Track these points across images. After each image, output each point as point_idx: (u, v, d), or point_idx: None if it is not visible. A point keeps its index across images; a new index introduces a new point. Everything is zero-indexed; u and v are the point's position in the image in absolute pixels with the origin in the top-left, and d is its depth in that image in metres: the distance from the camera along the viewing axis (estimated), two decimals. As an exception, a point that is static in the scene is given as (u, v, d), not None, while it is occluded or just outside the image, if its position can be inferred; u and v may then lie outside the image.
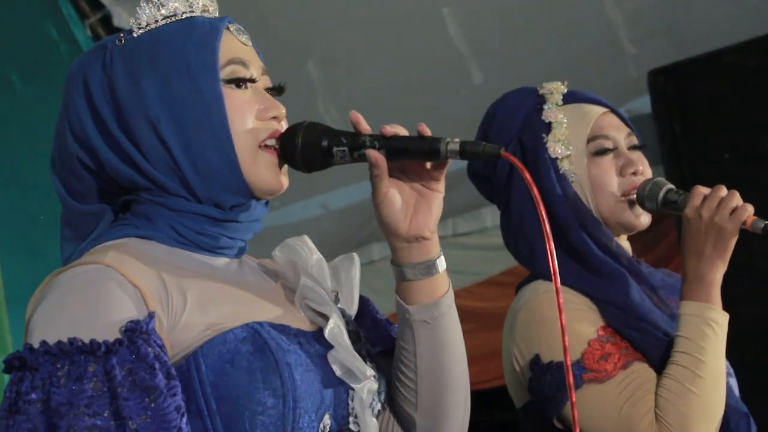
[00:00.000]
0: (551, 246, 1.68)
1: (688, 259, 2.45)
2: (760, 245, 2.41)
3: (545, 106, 2.59)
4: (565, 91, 2.62)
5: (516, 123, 2.60)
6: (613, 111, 2.61)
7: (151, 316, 1.61)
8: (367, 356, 1.79)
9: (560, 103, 2.59)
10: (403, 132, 1.75)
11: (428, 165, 1.77)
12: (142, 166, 1.75)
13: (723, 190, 2.44)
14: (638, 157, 2.57)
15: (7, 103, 4.64)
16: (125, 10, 4.85)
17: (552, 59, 4.85)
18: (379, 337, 1.89)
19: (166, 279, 1.68)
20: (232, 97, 1.76)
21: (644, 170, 2.56)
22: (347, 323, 1.79)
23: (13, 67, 4.70)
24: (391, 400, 1.86)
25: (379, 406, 1.80)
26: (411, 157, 1.75)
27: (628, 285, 2.48)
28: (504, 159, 1.75)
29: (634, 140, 2.59)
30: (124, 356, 1.57)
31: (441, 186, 1.79)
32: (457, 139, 1.73)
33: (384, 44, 5.00)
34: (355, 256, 1.90)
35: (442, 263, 1.82)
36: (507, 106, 2.64)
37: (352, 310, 1.85)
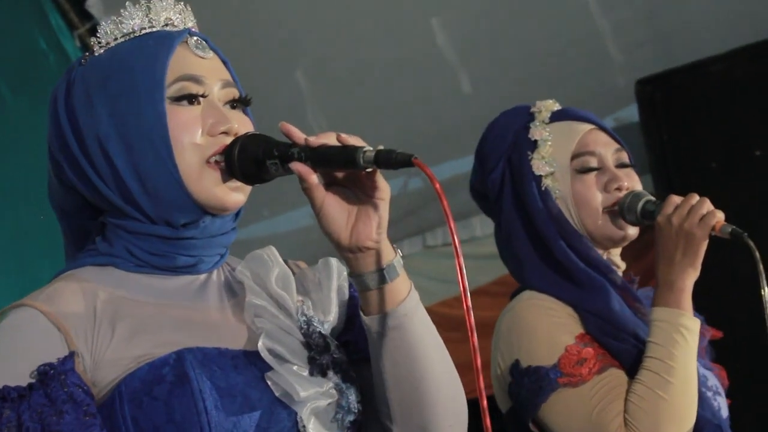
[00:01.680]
0: (461, 261, 1.63)
1: (660, 266, 2.48)
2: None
3: (532, 124, 2.63)
4: (555, 108, 2.66)
5: (506, 141, 2.64)
6: (602, 128, 2.64)
7: (69, 356, 1.64)
8: (330, 367, 1.77)
9: (547, 120, 2.63)
10: (331, 141, 1.70)
11: (363, 173, 1.72)
12: (99, 188, 1.76)
13: (694, 198, 2.47)
14: (626, 173, 2.59)
15: (-3, 114, 4.64)
16: (114, 20, 4.85)
17: (540, 68, 4.86)
18: (365, 342, 1.84)
19: (99, 312, 1.70)
20: (178, 115, 1.74)
21: (631, 185, 2.58)
22: (308, 334, 1.77)
23: (1, 78, 4.69)
24: (376, 411, 1.84)
25: (351, 417, 1.77)
26: (334, 167, 1.71)
27: (609, 294, 2.51)
28: (416, 166, 1.66)
29: (624, 157, 2.61)
30: (36, 400, 1.60)
31: (382, 193, 1.73)
32: (378, 147, 1.68)
33: (373, 53, 5.01)
34: (332, 260, 1.89)
35: (393, 271, 1.75)
36: (499, 125, 2.68)
37: (328, 318, 1.83)
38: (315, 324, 1.79)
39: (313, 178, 1.70)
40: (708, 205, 2.46)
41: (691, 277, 2.47)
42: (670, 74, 4.72)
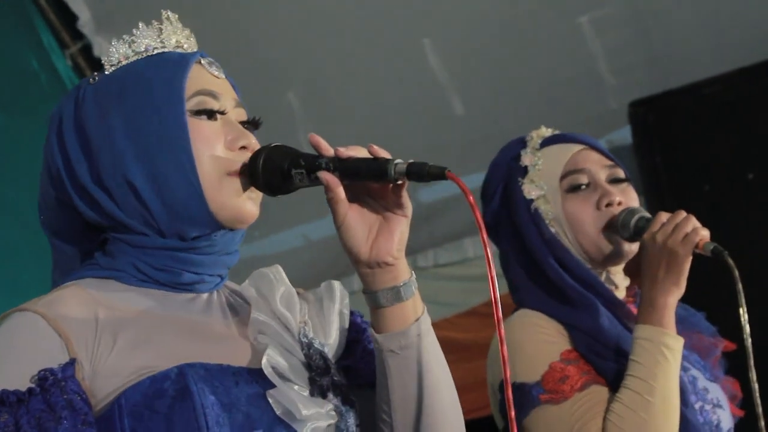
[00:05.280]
0: (492, 274, 1.65)
1: (644, 284, 2.49)
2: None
3: (522, 151, 2.66)
4: (548, 134, 2.68)
5: (502, 171, 2.68)
6: (593, 147, 2.64)
7: (70, 362, 1.63)
8: (330, 389, 1.76)
9: (538, 146, 2.66)
10: (361, 154, 1.72)
11: (390, 187, 1.74)
12: (104, 205, 1.76)
13: (681, 215, 2.48)
14: (621, 189, 2.60)
15: (-12, 134, 4.62)
16: (106, 39, 4.85)
17: (533, 90, 4.86)
18: (367, 368, 1.86)
19: (101, 321, 1.69)
20: (198, 127, 1.77)
21: (625, 201, 2.59)
22: (309, 355, 1.77)
23: (-7, 97, 4.68)
24: None
25: None
26: (363, 178, 1.72)
27: (597, 311, 2.52)
28: (451, 181, 1.70)
29: (618, 173, 2.62)
30: (35, 406, 1.59)
31: (405, 210, 1.76)
32: (407, 161, 1.70)
33: (365, 75, 5.01)
34: (335, 283, 1.90)
35: (409, 290, 1.78)
36: (497, 159, 2.72)
37: (329, 341, 1.83)
38: (316, 345, 1.79)
39: (340, 190, 1.72)
40: (693, 223, 2.47)
41: (674, 295, 2.47)
42: (664, 96, 4.73)
